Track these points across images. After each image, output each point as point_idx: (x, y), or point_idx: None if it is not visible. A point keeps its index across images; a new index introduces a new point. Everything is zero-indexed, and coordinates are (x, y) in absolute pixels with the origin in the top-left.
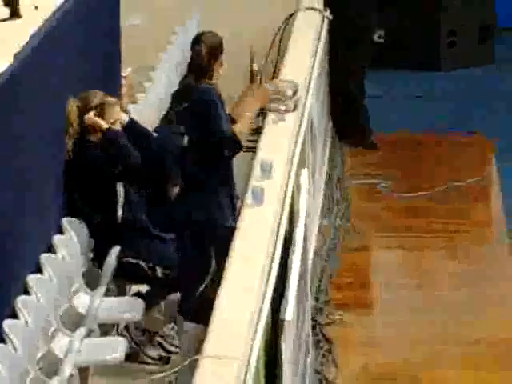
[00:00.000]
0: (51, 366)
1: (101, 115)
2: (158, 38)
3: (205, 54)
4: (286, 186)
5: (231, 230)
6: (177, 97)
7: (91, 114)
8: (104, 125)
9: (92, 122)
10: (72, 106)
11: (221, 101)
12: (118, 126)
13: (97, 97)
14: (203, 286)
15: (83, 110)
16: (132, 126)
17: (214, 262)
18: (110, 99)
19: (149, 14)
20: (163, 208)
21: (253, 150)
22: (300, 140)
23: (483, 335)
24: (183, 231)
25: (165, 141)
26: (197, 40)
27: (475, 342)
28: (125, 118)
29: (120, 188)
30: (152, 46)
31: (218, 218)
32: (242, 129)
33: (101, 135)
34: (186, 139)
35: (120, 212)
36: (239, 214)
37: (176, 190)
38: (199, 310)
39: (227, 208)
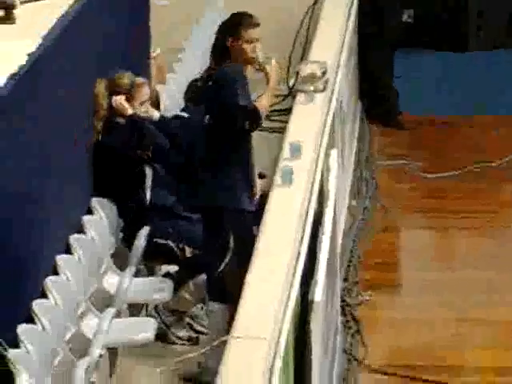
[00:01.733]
0: (80, 346)
1: (130, 97)
2: (187, 18)
3: (217, 32)
4: (316, 166)
5: (248, 212)
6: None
7: (119, 96)
8: (129, 110)
9: (118, 105)
10: (101, 87)
11: (244, 80)
12: (146, 108)
13: (126, 78)
14: (222, 266)
15: (112, 91)
16: (161, 125)
17: (232, 243)
18: (139, 79)
19: None
20: (187, 188)
21: (282, 130)
22: (329, 121)
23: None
24: (203, 212)
25: (193, 124)
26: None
27: (502, 323)
28: (156, 115)
29: (148, 170)
30: (181, 27)
31: (234, 199)
32: (263, 102)
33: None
34: (206, 118)
35: (148, 194)
36: (265, 193)
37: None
38: (220, 290)
39: (244, 190)
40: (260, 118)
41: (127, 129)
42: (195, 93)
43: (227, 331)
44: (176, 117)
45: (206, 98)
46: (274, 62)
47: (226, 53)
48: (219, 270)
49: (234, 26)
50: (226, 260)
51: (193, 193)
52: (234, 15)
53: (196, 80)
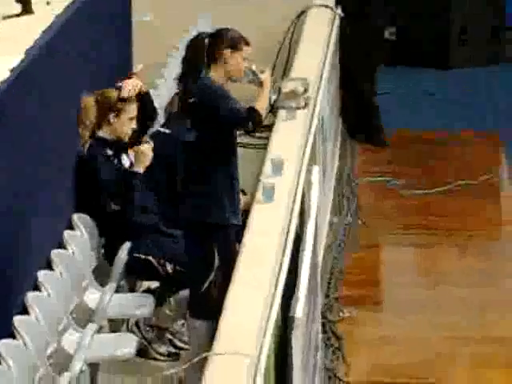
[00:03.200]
0: (61, 361)
1: (119, 112)
2: (170, 35)
3: (211, 39)
4: (297, 182)
5: (233, 227)
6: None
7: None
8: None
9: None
10: (88, 100)
11: (225, 89)
12: (134, 124)
13: (114, 93)
14: (207, 283)
15: (101, 105)
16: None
17: (217, 259)
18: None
19: (160, 10)
20: (170, 204)
21: (263, 147)
22: (311, 137)
23: (496, 334)
24: (187, 228)
25: (174, 140)
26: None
27: (488, 340)
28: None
29: (136, 186)
30: (163, 43)
31: (220, 215)
32: (261, 104)
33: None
34: (193, 134)
35: (128, 209)
36: (247, 210)
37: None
38: (204, 307)
39: (230, 205)
40: (261, 115)
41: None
42: (181, 107)
43: (209, 347)
44: (158, 133)
45: (192, 113)
46: (268, 71)
47: (211, 61)
48: (204, 287)
49: (235, 40)
50: (211, 277)
51: (177, 208)
52: (231, 30)
53: (177, 94)
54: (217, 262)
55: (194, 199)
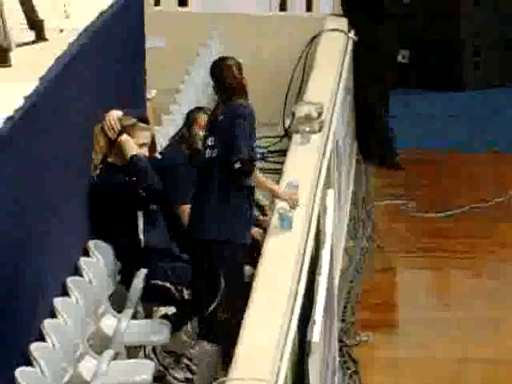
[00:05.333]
0: None
1: (129, 134)
2: (181, 60)
3: (229, 71)
4: (312, 207)
5: (242, 247)
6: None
7: (125, 135)
8: (134, 149)
9: (124, 142)
10: (99, 126)
11: (254, 121)
12: (144, 150)
13: (129, 121)
14: (212, 306)
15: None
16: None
17: (222, 283)
18: (143, 125)
19: (172, 36)
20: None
21: (278, 171)
22: (325, 161)
23: (510, 355)
24: (193, 251)
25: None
26: (224, 64)
27: (502, 361)
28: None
29: (139, 212)
30: (176, 69)
31: (238, 233)
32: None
33: (122, 159)
34: (215, 151)
35: (142, 235)
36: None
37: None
38: (211, 330)
39: (247, 224)
40: (250, 172)
41: (128, 168)
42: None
43: (218, 371)
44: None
45: (218, 130)
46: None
47: (242, 90)
48: (210, 311)
49: (240, 66)
50: (216, 301)
51: (186, 230)
52: (231, 58)
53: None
54: (222, 285)
55: (214, 217)
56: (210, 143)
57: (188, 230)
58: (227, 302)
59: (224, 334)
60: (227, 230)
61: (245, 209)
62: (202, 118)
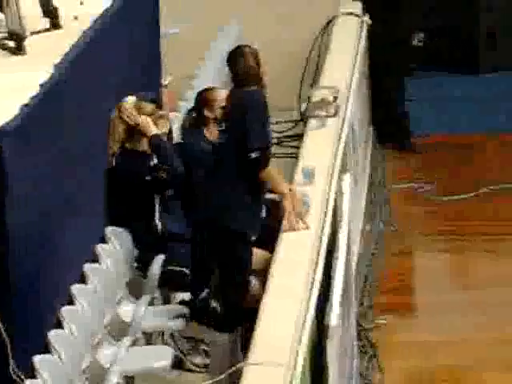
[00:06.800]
0: (97, 375)
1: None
2: (198, 46)
3: (248, 60)
4: (329, 191)
5: (244, 240)
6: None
7: (145, 116)
8: (153, 129)
9: (145, 123)
10: (117, 111)
11: (266, 108)
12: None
13: (148, 108)
14: (204, 294)
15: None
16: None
17: (216, 270)
18: (162, 112)
19: (188, 22)
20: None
21: (294, 156)
22: (341, 145)
23: None
24: (198, 231)
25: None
26: (239, 52)
27: None
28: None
29: (156, 200)
30: (192, 55)
31: (238, 221)
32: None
33: (141, 144)
34: (225, 137)
35: (158, 221)
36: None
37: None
38: (202, 317)
39: (252, 213)
40: (268, 161)
41: (151, 148)
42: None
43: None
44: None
45: (229, 118)
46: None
47: (257, 78)
48: (201, 296)
49: (257, 55)
50: (209, 287)
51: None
52: (248, 46)
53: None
54: (216, 272)
55: (217, 203)
56: (222, 128)
57: (195, 211)
58: (221, 292)
59: (215, 322)
60: (230, 218)
61: (251, 200)
62: (213, 95)
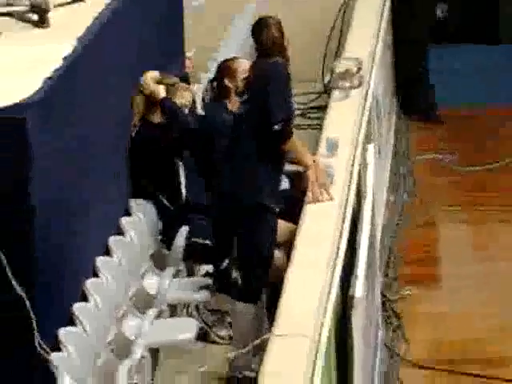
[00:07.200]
0: (122, 347)
1: (170, 97)
2: (221, 18)
3: (275, 30)
4: (353, 162)
5: (271, 211)
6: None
7: (157, 85)
8: (162, 94)
9: (152, 88)
10: (138, 84)
11: (289, 79)
12: (185, 110)
13: (171, 80)
14: (225, 264)
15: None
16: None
17: (236, 241)
18: (184, 85)
19: None
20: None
21: (317, 127)
22: (365, 116)
23: None
24: (217, 204)
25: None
26: (263, 22)
27: None
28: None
29: (181, 168)
30: (215, 27)
31: (256, 194)
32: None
33: (159, 116)
34: (245, 107)
35: (184, 190)
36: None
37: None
38: (223, 286)
39: (269, 186)
40: (291, 133)
41: (164, 115)
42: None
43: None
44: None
45: (250, 89)
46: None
47: (282, 49)
48: (222, 266)
49: (280, 26)
50: (229, 258)
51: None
52: (271, 17)
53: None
54: (235, 243)
55: (238, 175)
56: (243, 99)
57: (217, 183)
58: (241, 263)
59: (237, 292)
60: (253, 190)
61: (272, 170)
62: (234, 64)
